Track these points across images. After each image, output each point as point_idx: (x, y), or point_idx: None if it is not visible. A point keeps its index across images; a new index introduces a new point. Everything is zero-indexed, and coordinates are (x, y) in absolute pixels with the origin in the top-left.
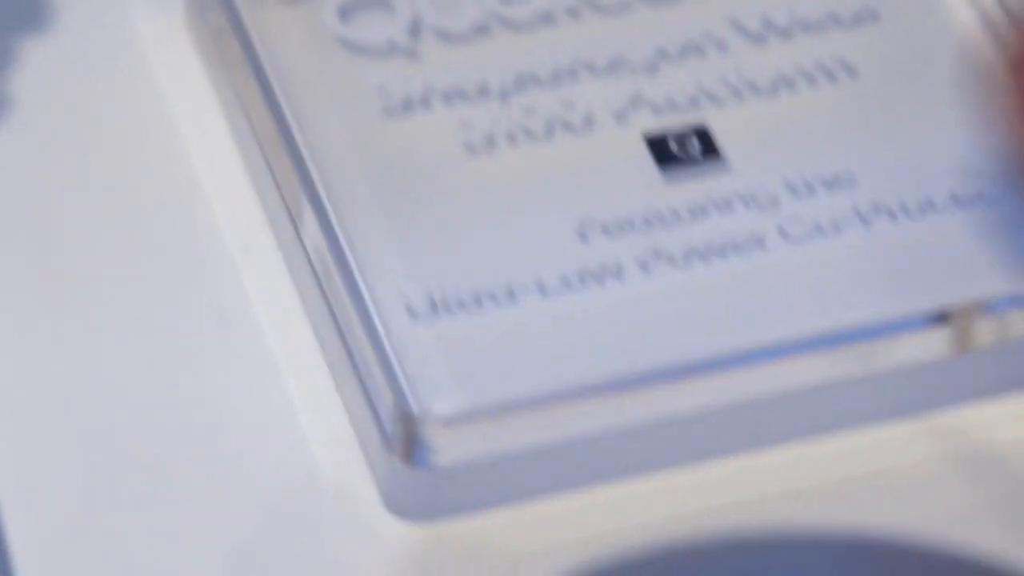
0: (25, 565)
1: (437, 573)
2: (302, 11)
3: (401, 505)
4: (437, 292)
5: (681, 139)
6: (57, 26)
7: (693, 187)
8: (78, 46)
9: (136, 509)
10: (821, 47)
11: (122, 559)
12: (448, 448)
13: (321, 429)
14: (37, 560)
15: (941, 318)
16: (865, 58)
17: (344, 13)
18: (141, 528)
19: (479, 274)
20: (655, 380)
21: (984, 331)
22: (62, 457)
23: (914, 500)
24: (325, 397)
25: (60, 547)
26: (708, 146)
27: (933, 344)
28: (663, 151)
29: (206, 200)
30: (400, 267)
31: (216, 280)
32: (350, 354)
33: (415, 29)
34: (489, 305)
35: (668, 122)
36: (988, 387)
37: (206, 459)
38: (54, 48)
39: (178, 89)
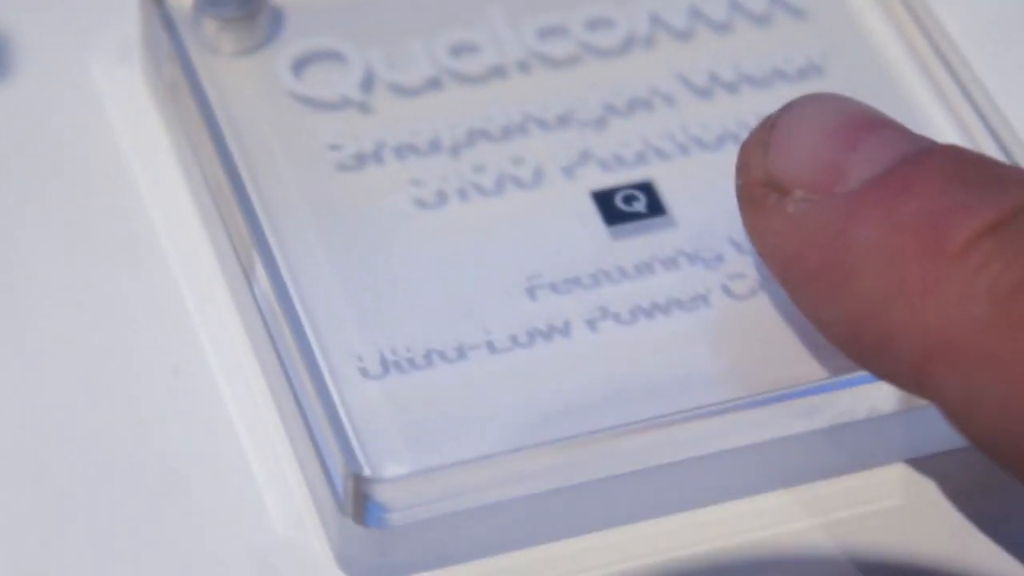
0: None
1: None
2: (256, 64)
3: (353, 563)
4: (388, 350)
5: (627, 195)
6: (15, 74)
7: (639, 243)
8: (36, 94)
9: (83, 561)
10: (766, 102)
11: None
12: (399, 507)
13: (274, 484)
14: None
15: None
16: None
17: (297, 67)
18: None
19: (429, 331)
20: (603, 438)
21: None
22: (8, 505)
23: (871, 546)
24: (278, 451)
25: None
26: (654, 202)
27: (878, 399)
28: (610, 207)
29: (161, 251)
30: (351, 324)
31: (170, 330)
32: (302, 411)
33: (367, 83)
34: (439, 363)
35: (615, 178)
36: (933, 440)
37: (157, 511)
38: (12, 95)
39: (134, 139)
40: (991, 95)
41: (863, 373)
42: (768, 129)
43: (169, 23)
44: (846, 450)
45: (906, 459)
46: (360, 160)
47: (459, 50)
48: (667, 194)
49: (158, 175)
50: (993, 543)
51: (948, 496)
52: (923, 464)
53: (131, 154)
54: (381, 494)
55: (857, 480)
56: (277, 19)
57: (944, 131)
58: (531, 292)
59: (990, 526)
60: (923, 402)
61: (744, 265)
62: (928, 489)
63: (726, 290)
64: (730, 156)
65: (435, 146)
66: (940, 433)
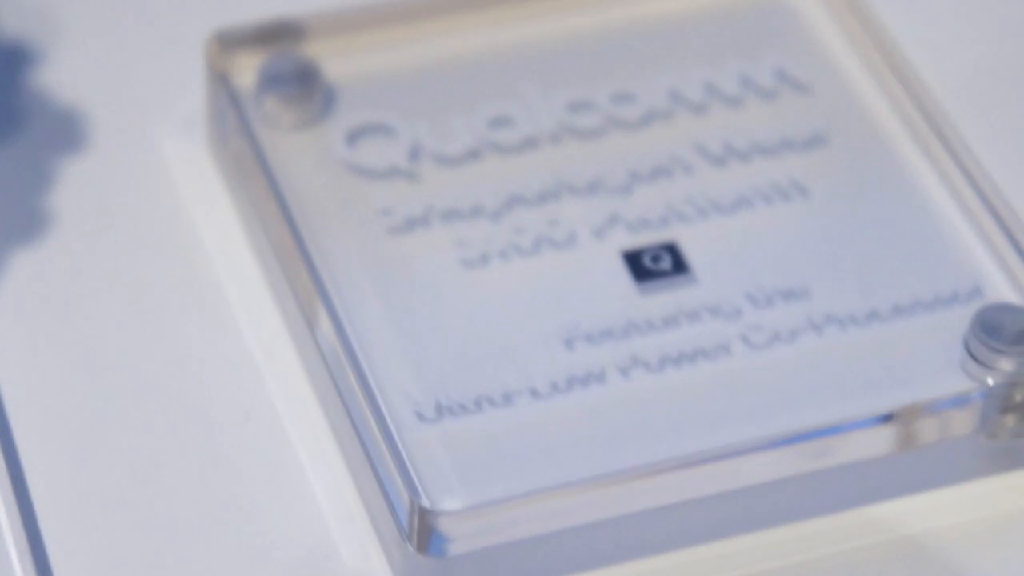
0: None
1: None
2: (313, 137)
3: None
4: (442, 396)
5: (654, 255)
6: (90, 146)
7: (666, 299)
8: (110, 166)
9: None
10: (776, 169)
11: None
12: (458, 538)
13: (339, 517)
14: None
15: (888, 418)
16: (816, 179)
17: (350, 139)
18: None
19: (478, 379)
20: (636, 474)
21: (926, 430)
22: (93, 543)
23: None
24: (344, 489)
25: None
26: (678, 261)
27: (881, 441)
28: (638, 266)
29: (230, 307)
30: (408, 372)
31: (241, 380)
32: (365, 451)
33: (415, 154)
34: (488, 407)
35: (642, 239)
36: (930, 480)
37: (232, 546)
38: (88, 168)
39: (202, 206)
40: (978, 158)
41: (869, 417)
42: None
43: (234, 100)
44: (850, 487)
45: (902, 496)
46: (409, 224)
47: (496, 123)
48: (690, 253)
49: (225, 238)
50: None
51: (946, 532)
52: (914, 501)
53: (199, 218)
54: (443, 525)
55: (858, 516)
56: (332, 96)
57: (936, 193)
58: (568, 343)
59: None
60: (920, 444)
61: (761, 318)
62: (922, 525)
63: (745, 341)
64: (746, 218)
65: (477, 211)
66: (935, 472)
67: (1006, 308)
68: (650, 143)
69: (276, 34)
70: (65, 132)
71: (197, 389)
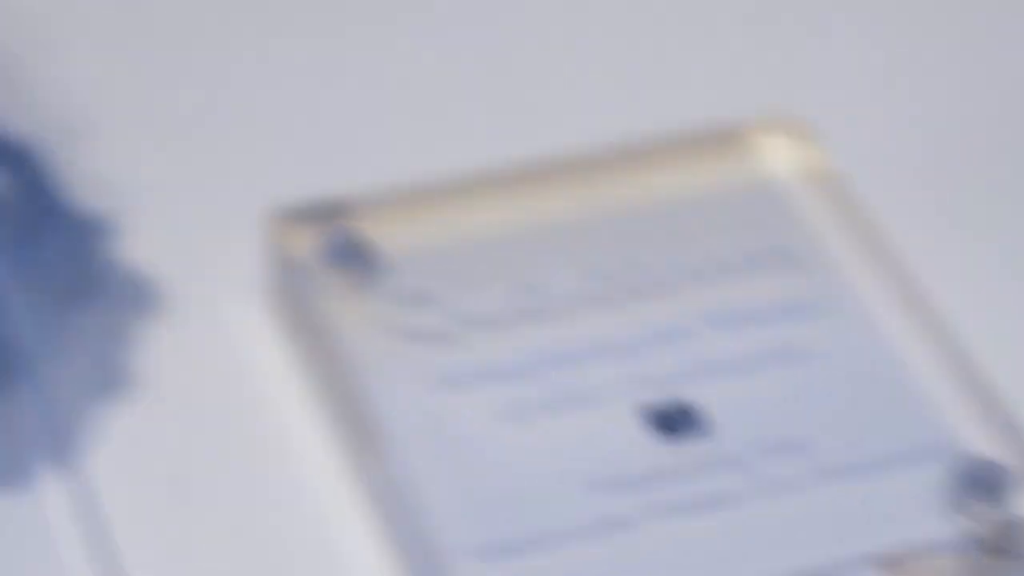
0: None
1: None
2: (368, 303)
3: None
4: (486, 538)
5: (672, 410)
6: (163, 312)
7: (684, 451)
8: (181, 329)
9: None
10: (775, 334)
11: None
12: None
13: None
14: None
15: (888, 562)
16: (810, 342)
17: (402, 305)
18: None
19: (518, 523)
20: None
21: (925, 574)
22: None
23: None
24: None
25: None
26: (694, 416)
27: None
28: (658, 420)
29: (295, 455)
30: (457, 516)
31: (305, 524)
32: None
33: (458, 319)
34: (529, 549)
35: (659, 396)
36: None
37: None
38: (162, 331)
39: (265, 366)
40: (954, 322)
41: (857, 561)
42: None
43: (294, 269)
44: None
45: None
46: (454, 382)
47: (530, 290)
48: (705, 409)
49: (287, 395)
50: None
51: None
52: None
53: (263, 379)
54: None
55: None
56: (384, 266)
57: (917, 353)
58: (595, 491)
59: None
60: None
61: (774, 467)
62: None
63: (760, 490)
64: (755, 377)
65: (514, 370)
66: None
67: (985, 462)
68: (663, 310)
69: (333, 210)
70: (139, 297)
71: (267, 535)
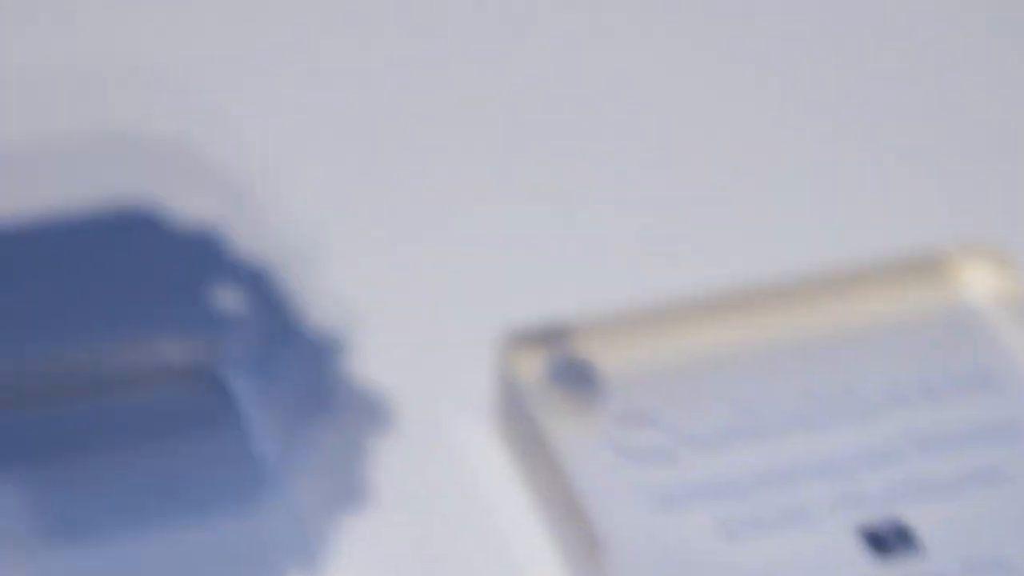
0: None
1: None
2: (589, 422)
3: None
4: None
5: (888, 531)
6: (395, 429)
7: (896, 571)
8: (414, 446)
9: None
10: (980, 455)
11: None
12: None
13: None
14: None
15: None
16: (1014, 464)
17: (621, 422)
18: None
19: None
20: None
21: None
22: None
23: None
24: None
25: None
26: (910, 537)
27: None
28: (874, 541)
29: (519, 569)
30: None
31: None
32: None
33: (674, 436)
34: None
35: (873, 516)
36: None
37: None
38: (395, 447)
39: (493, 481)
40: None
41: None
42: None
43: (522, 390)
44: None
45: None
46: (673, 500)
47: (745, 411)
48: (920, 530)
49: (513, 508)
50: None
51: None
52: None
53: (490, 498)
54: None
55: None
56: (605, 387)
57: None
58: None
59: None
60: None
61: None
62: None
63: None
64: (960, 497)
65: (732, 489)
66: None
67: None
68: (871, 431)
69: (559, 333)
70: (374, 414)
71: None
